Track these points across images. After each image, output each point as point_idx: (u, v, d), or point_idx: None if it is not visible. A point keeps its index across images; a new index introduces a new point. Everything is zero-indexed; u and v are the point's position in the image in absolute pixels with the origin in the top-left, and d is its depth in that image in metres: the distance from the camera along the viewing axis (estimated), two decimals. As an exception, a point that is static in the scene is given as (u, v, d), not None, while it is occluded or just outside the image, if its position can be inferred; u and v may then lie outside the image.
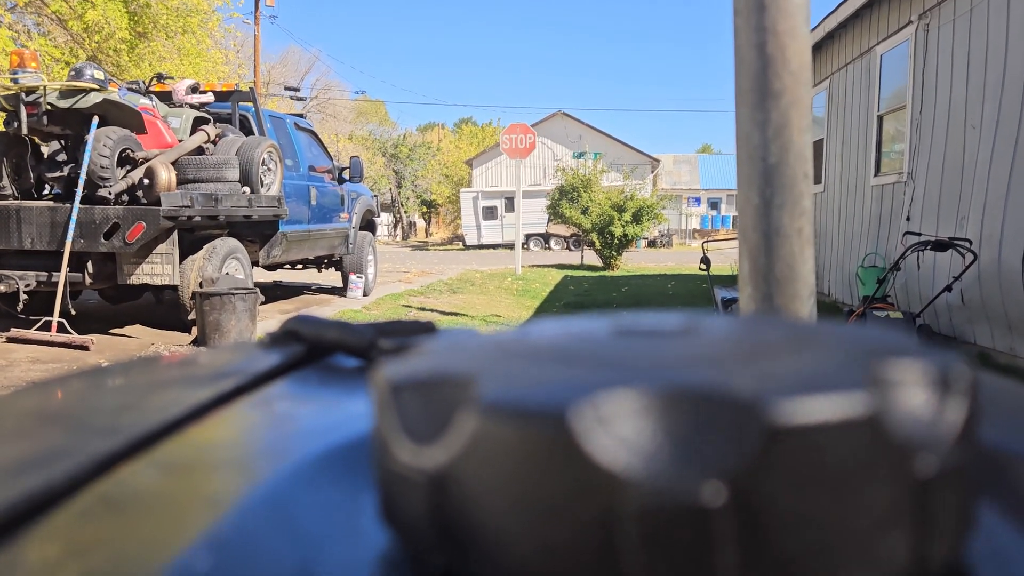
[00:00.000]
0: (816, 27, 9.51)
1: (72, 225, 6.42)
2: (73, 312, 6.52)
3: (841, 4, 8.88)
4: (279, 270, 10.34)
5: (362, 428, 0.40)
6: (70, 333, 6.31)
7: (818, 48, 9.94)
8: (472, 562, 0.26)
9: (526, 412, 0.25)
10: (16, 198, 7.14)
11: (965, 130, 6.23)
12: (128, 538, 0.32)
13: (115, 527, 0.33)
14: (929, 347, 0.29)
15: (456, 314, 9.07)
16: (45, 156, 7.52)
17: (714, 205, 40.21)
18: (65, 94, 6.76)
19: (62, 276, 6.41)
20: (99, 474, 0.36)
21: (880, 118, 8.42)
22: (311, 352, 0.66)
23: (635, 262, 19.56)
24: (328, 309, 9.18)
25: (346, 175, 10.49)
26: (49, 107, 6.73)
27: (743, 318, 0.38)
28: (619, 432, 0.24)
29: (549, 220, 21.43)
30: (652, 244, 32.73)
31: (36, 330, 6.35)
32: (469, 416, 0.26)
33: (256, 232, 8.24)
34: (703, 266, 6.71)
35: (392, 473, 0.28)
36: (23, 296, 6.57)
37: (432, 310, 9.31)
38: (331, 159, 10.69)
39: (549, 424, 0.24)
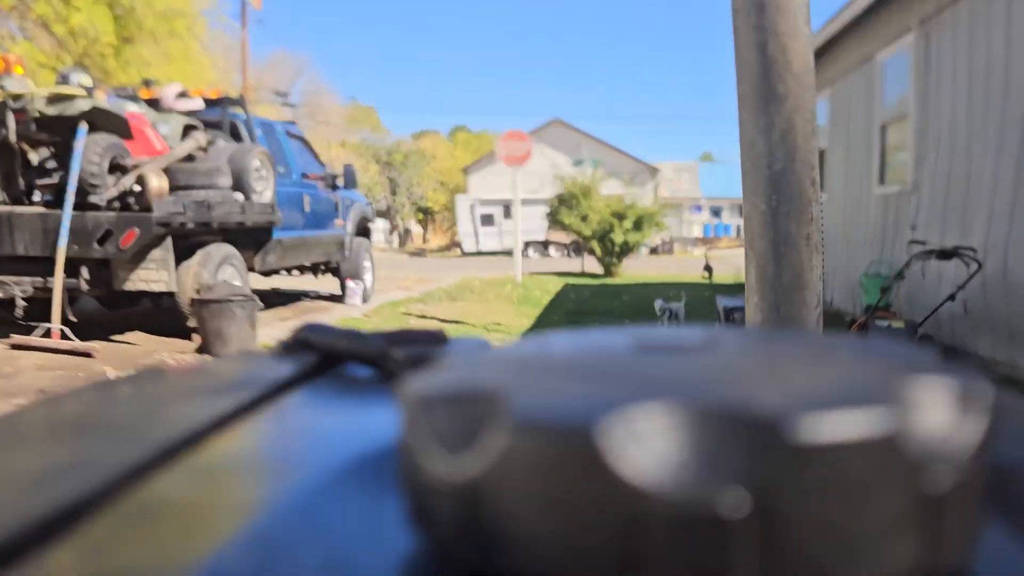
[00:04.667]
0: (817, 33, 9.53)
1: (65, 231, 6.40)
2: (74, 319, 6.51)
3: (841, 10, 8.91)
4: (276, 277, 10.35)
5: (382, 437, 0.41)
6: (73, 340, 6.31)
7: (820, 54, 9.97)
8: (501, 561, 0.27)
9: (554, 428, 0.26)
10: (7, 204, 7.12)
11: (969, 139, 6.24)
12: (158, 546, 0.32)
13: (144, 536, 0.33)
14: (950, 364, 0.29)
15: (457, 322, 9.06)
16: (34, 164, 7.48)
17: (716, 213, 40.19)
18: (52, 100, 6.73)
19: (57, 282, 6.39)
20: (129, 483, 0.37)
21: (883, 127, 8.44)
22: (324, 362, 0.67)
23: (636, 270, 19.51)
24: (328, 317, 9.17)
25: (339, 182, 10.50)
26: (37, 114, 6.70)
27: (762, 332, 0.39)
28: (645, 447, 0.25)
29: (548, 227, 21.44)
30: (654, 251, 32.69)
31: (38, 337, 6.34)
32: (498, 431, 0.26)
33: (250, 238, 8.23)
34: (705, 273, 6.80)
35: (421, 487, 0.29)
36: (21, 303, 6.56)
37: (432, 318, 9.31)
38: (323, 166, 10.70)
39: (577, 440, 0.25)
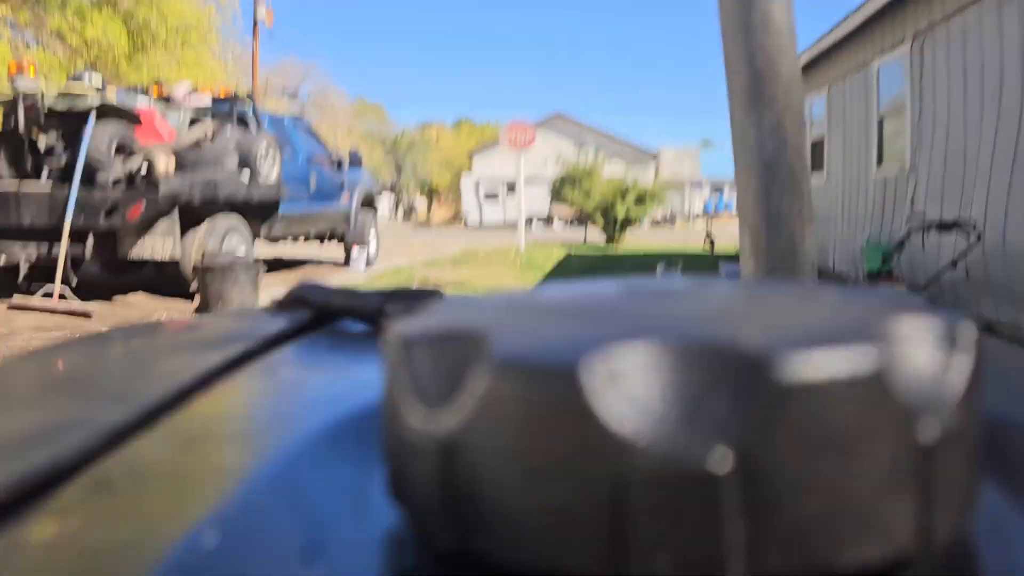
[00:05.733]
0: (812, 46, 9.73)
1: (72, 203, 6.45)
2: (75, 282, 6.52)
3: (838, 24, 8.93)
4: (282, 244, 10.37)
5: (370, 396, 0.40)
6: (72, 300, 6.31)
7: (821, 58, 9.96)
8: (480, 533, 0.26)
9: (537, 366, 0.24)
10: (15, 179, 7.12)
11: (966, 130, 6.23)
12: (134, 514, 0.32)
13: (121, 503, 0.33)
14: (934, 305, 0.28)
15: (460, 287, 9.06)
16: (42, 149, 7.48)
17: (717, 190, 39.87)
18: (63, 96, 6.88)
19: (63, 247, 6.40)
20: (108, 447, 0.36)
21: (881, 121, 8.42)
22: (318, 317, 0.66)
23: (639, 240, 19.47)
24: (331, 281, 9.16)
25: (344, 163, 10.60)
26: (47, 108, 6.83)
27: (749, 280, 0.38)
28: (628, 389, 0.23)
29: (552, 202, 21.48)
30: (656, 223, 32.50)
31: (39, 298, 6.34)
32: (481, 372, 0.25)
33: (257, 212, 8.30)
34: (708, 244, 6.82)
35: (401, 440, 0.27)
36: (24, 267, 6.57)
37: (436, 282, 9.30)
38: (329, 152, 10.75)
39: (560, 378, 0.24)
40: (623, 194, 17.81)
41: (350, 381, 0.49)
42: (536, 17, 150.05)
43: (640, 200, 17.90)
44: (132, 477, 0.35)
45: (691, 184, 38.97)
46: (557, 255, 14.44)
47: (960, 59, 6.34)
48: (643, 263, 12.22)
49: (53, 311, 6.25)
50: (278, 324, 0.62)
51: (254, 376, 0.50)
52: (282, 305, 0.70)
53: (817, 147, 10.25)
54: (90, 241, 6.69)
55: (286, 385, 0.51)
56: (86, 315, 6.20)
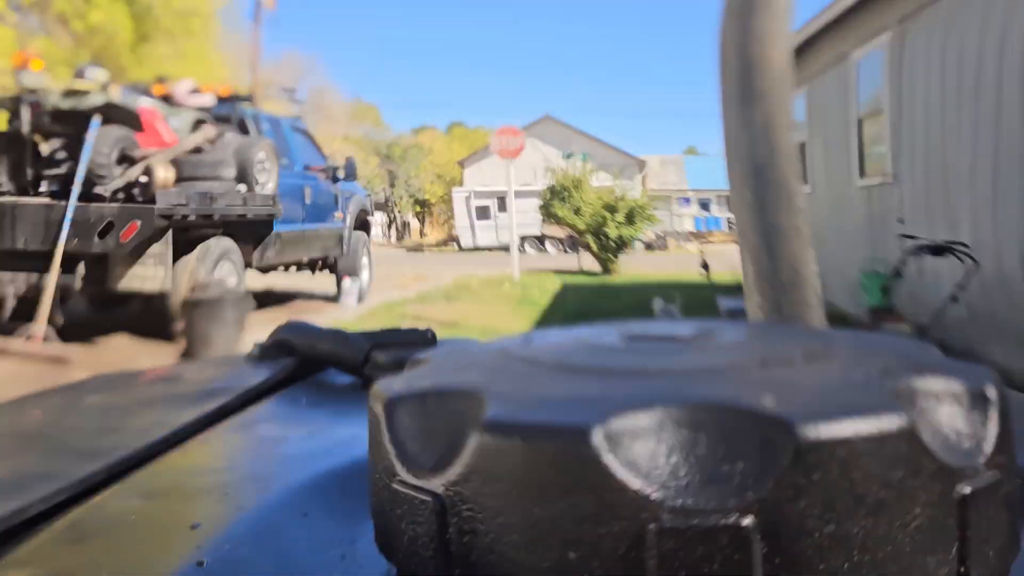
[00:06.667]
0: (796, 32, 9.55)
1: (67, 222, 6.25)
2: (61, 321, 6.39)
3: (820, 13, 8.95)
4: (271, 274, 10.30)
5: (356, 455, 0.37)
6: (53, 343, 6.15)
7: (797, 53, 9.92)
8: None
9: (544, 432, 0.22)
10: (12, 195, 6.97)
11: (944, 133, 6.17)
12: (98, 570, 0.30)
13: (87, 558, 0.31)
14: (956, 360, 0.27)
15: (454, 324, 9.03)
16: (44, 155, 7.40)
17: (704, 206, 40.25)
18: (67, 95, 6.72)
19: (51, 279, 6.23)
20: (75, 502, 0.34)
21: (860, 121, 8.40)
22: (301, 366, 0.63)
23: (633, 267, 19.49)
24: (320, 319, 9.11)
25: (340, 174, 10.51)
26: (52, 107, 6.67)
27: (761, 326, 0.36)
28: (643, 451, 0.22)
29: (543, 221, 21.60)
30: (649, 247, 32.65)
31: (23, 339, 6.18)
32: (478, 437, 0.23)
33: (251, 232, 8.17)
34: (703, 271, 6.84)
35: (388, 505, 0.25)
36: (11, 302, 6.44)
37: (429, 320, 9.28)
38: (325, 159, 10.74)
39: (566, 444, 0.22)
40: (612, 210, 17.84)
41: (335, 438, 0.47)
42: (531, 22, 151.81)
43: (630, 218, 17.95)
44: (98, 533, 0.33)
45: (678, 199, 39.37)
46: (552, 286, 14.43)
47: (939, 52, 6.27)
48: (641, 295, 12.20)
49: (30, 355, 6.06)
50: (259, 375, 0.59)
51: (232, 433, 0.47)
52: (265, 351, 0.67)
53: (799, 154, 10.31)
54: (80, 269, 6.49)
55: (265, 442, 0.49)
56: (63, 361, 6.01)
